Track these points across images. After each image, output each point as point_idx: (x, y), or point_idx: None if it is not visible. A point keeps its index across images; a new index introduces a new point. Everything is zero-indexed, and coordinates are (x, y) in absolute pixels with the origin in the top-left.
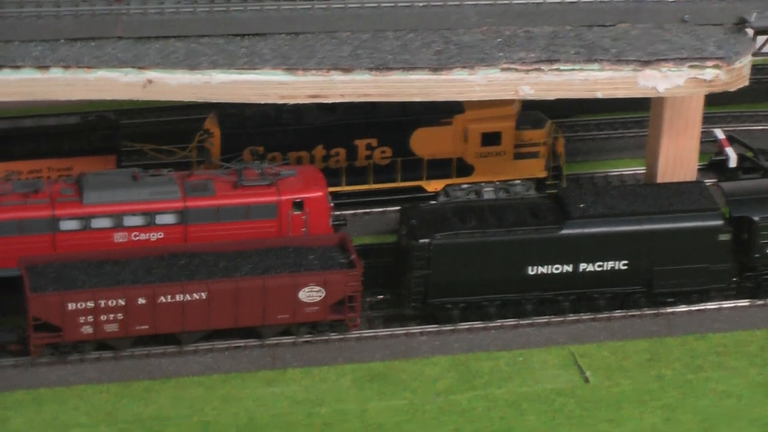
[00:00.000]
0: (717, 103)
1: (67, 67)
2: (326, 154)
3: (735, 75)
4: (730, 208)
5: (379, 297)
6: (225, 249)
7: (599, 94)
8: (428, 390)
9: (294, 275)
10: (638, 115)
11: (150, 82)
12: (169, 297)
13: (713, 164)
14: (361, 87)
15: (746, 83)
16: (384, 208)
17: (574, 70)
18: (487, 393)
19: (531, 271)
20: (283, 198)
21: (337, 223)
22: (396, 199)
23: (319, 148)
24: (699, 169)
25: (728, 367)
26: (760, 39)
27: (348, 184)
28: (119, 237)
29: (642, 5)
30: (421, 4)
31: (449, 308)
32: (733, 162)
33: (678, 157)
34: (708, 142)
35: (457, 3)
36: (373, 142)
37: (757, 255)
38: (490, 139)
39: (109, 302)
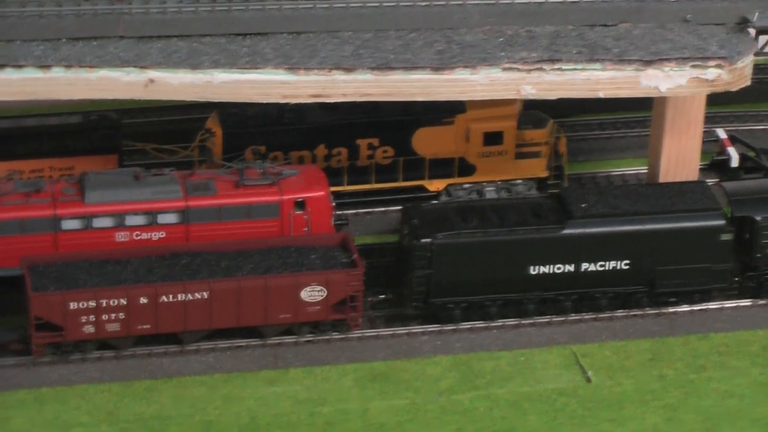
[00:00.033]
0: (719, 102)
1: (69, 66)
2: (328, 154)
3: (737, 75)
4: (731, 207)
5: (380, 297)
6: (227, 248)
7: (601, 94)
8: (430, 390)
9: (296, 275)
10: (640, 114)
11: (152, 81)
12: (170, 296)
13: (715, 164)
14: (363, 86)
15: (748, 83)
16: (386, 208)
17: (576, 69)
18: (488, 393)
19: (533, 270)
20: (285, 197)
21: (338, 222)
22: (398, 198)
23: (321, 147)
24: (701, 169)
25: (730, 367)
26: (762, 39)
27: (350, 183)
28: (121, 236)
29: (644, 5)
30: (423, 4)
31: (451, 308)
32: (735, 162)
33: (680, 157)
34: (710, 141)
35: (459, 2)
36: (375, 141)
37: (758, 255)
38: (492, 138)
39: (111, 302)
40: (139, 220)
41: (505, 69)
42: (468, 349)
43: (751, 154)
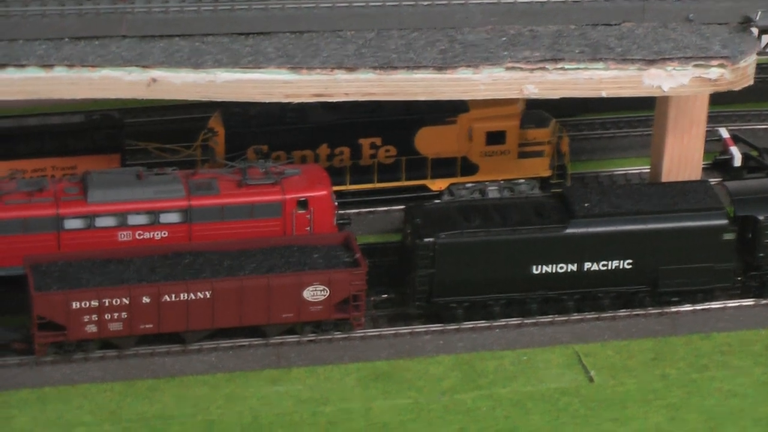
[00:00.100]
0: (722, 102)
1: (71, 65)
2: (330, 153)
3: (740, 74)
4: (734, 207)
5: (383, 296)
6: (229, 248)
7: (604, 93)
8: (433, 389)
9: (298, 274)
10: (643, 114)
11: (154, 80)
12: (173, 296)
13: (718, 163)
14: (366, 86)
15: (751, 82)
16: (388, 207)
17: (578, 69)
18: (491, 392)
19: (535, 270)
20: (288, 197)
21: (341, 222)
22: (400, 198)
23: (324, 146)
24: (703, 169)
25: (733, 367)
26: (765, 38)
27: (352, 183)
28: (123, 236)
29: (647, 4)
30: (425, 3)
31: (453, 307)
32: (737, 161)
33: (682, 156)
34: (713, 141)
35: (462, 2)
36: (378, 141)
37: (761, 254)
38: (495, 138)
39: (114, 301)
40: (141, 219)
41: (507, 68)
42: (471, 348)
43: (754, 153)
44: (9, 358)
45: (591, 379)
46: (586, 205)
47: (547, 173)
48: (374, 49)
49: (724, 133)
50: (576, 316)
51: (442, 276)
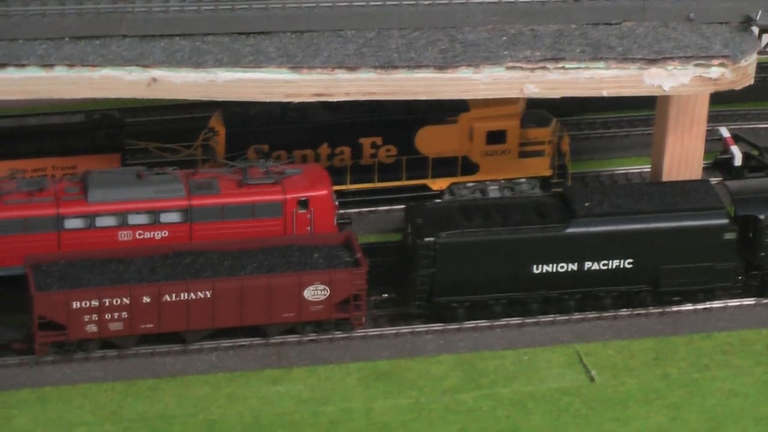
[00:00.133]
0: (722, 101)
1: (71, 65)
2: (331, 153)
3: (740, 73)
4: (735, 206)
5: (384, 296)
6: (230, 247)
7: (605, 93)
8: (434, 389)
9: (299, 274)
10: (643, 113)
11: (155, 80)
12: (173, 296)
13: (718, 163)
14: (366, 85)
15: (752, 82)
16: (389, 207)
17: (579, 68)
18: (492, 392)
19: (536, 269)
20: (288, 196)
21: (342, 221)
22: (401, 197)
23: (324, 146)
24: (704, 168)
25: (734, 366)
26: (766, 37)
27: (353, 182)
28: (124, 235)
29: (647, 3)
30: (426, 3)
31: (454, 307)
32: (738, 160)
33: (683, 156)
34: (713, 140)
35: (463, 1)
36: (378, 140)
37: (762, 254)
38: (495, 137)
39: (114, 301)
40: (142, 219)
41: (508, 68)
42: (472, 348)
43: (755, 152)
44: (9, 358)
45: (592, 379)
46: (586, 204)
47: (547, 173)
48: (375, 49)
49: (725, 132)
50: (577, 316)
51: (442, 275)
